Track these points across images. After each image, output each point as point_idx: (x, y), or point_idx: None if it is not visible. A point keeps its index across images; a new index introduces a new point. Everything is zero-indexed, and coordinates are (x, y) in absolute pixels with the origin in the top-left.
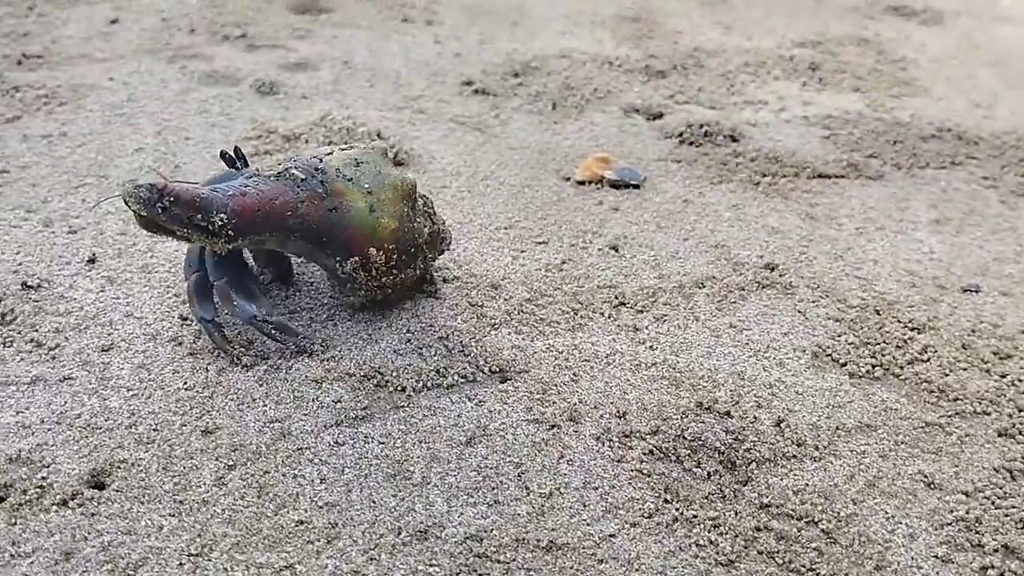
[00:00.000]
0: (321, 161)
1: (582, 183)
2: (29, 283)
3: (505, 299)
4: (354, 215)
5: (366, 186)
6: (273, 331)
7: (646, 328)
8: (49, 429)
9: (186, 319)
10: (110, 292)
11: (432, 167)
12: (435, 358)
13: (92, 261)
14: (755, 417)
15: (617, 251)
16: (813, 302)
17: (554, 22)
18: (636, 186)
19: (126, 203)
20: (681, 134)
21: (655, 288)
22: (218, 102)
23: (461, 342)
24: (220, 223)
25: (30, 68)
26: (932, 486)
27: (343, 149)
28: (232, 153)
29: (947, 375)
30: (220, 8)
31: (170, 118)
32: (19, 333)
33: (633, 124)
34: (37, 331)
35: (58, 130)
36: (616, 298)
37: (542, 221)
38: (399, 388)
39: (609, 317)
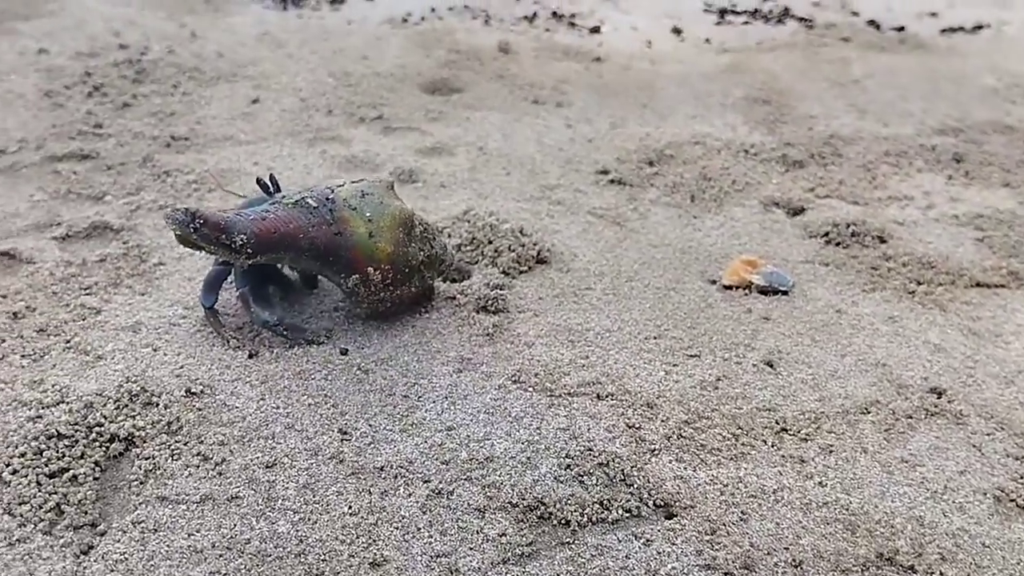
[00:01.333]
0: (332, 192)
1: (729, 287)
2: (192, 389)
3: (662, 420)
4: (356, 239)
5: (368, 215)
6: (284, 332)
7: (812, 460)
8: (220, 555)
9: (346, 433)
10: (270, 401)
11: (575, 265)
12: (597, 487)
13: (252, 356)
14: (941, 573)
15: (773, 367)
16: (988, 435)
17: (684, 104)
18: (785, 292)
19: (166, 223)
20: (827, 234)
21: (817, 413)
22: None
23: (622, 470)
24: (240, 242)
25: (178, 151)
26: None
27: (354, 182)
28: (267, 180)
29: None
30: (355, 88)
31: None
32: (186, 445)
33: (774, 220)
34: (203, 443)
35: None
36: (777, 423)
37: (692, 331)
38: (563, 522)
39: (772, 445)
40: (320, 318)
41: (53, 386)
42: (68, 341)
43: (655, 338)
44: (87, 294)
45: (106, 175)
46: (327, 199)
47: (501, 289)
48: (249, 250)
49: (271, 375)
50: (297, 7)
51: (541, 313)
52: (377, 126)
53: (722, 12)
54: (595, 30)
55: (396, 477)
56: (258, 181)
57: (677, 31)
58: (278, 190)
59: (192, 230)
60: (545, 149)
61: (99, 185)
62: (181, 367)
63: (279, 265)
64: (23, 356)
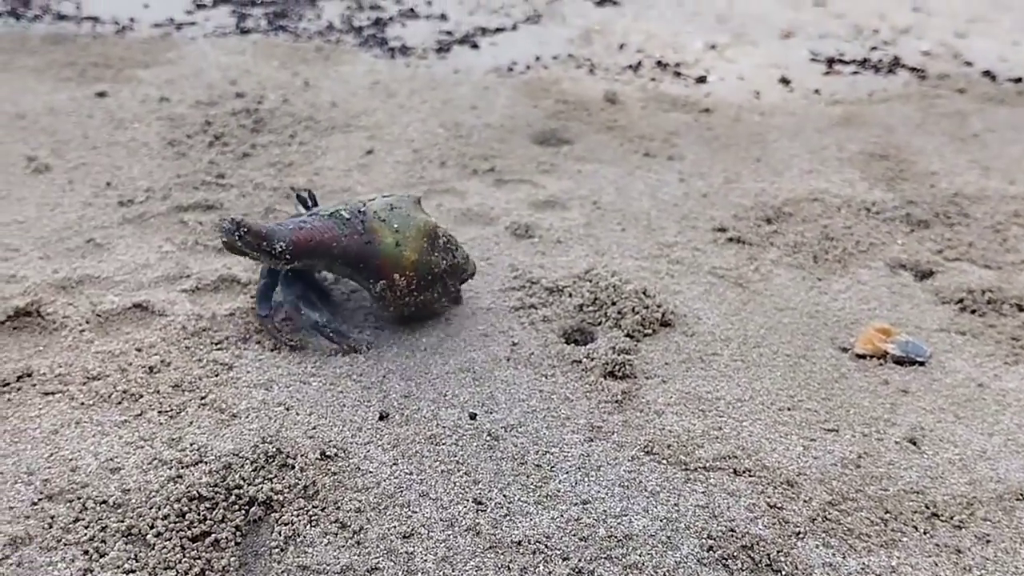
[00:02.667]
0: (364, 205)
1: (862, 356)
2: (327, 452)
3: (805, 501)
4: (383, 248)
5: (395, 226)
6: (331, 334)
7: (969, 551)
8: None
9: (481, 503)
10: (403, 466)
11: (699, 329)
12: (743, 573)
13: (383, 418)
14: None
15: (916, 445)
16: None
17: (798, 158)
18: (922, 363)
19: (216, 232)
20: (960, 300)
21: (969, 498)
22: (477, 245)
23: (768, 554)
24: (280, 249)
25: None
26: None
27: (384, 196)
28: (306, 196)
29: None
30: (466, 139)
31: None
32: (323, 511)
33: (903, 284)
34: (340, 509)
35: (330, 273)
36: (927, 507)
37: (827, 403)
38: None
39: (924, 533)
40: (362, 328)
41: (191, 445)
42: (203, 398)
43: (789, 409)
44: (218, 349)
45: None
46: (359, 211)
47: (627, 353)
48: (288, 256)
49: (402, 438)
50: (405, 56)
51: (669, 379)
52: (489, 178)
53: (830, 61)
54: (701, 80)
55: (535, 553)
56: (297, 196)
57: (785, 81)
58: (316, 204)
59: (237, 238)
60: (660, 204)
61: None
62: (314, 428)
63: (318, 274)
64: (160, 412)
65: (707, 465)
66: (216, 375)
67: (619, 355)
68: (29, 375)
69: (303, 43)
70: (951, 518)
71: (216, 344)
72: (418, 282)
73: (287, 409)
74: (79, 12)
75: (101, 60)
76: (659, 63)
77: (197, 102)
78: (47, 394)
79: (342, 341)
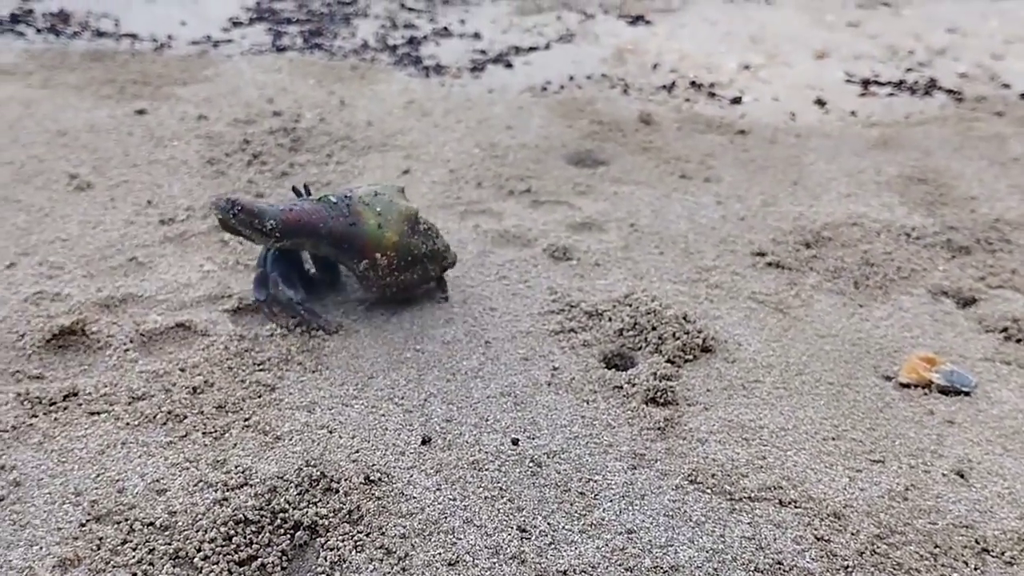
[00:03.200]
0: (351, 191)
1: (906, 385)
2: (371, 476)
3: (852, 533)
4: (367, 229)
5: (378, 210)
6: (302, 312)
7: None
8: None
9: (525, 531)
10: (446, 491)
11: (741, 355)
12: None
13: (426, 442)
14: None
15: (964, 478)
16: None
17: (836, 181)
18: (967, 393)
19: (211, 210)
20: (1005, 329)
21: (1020, 533)
22: (515, 268)
23: None
24: (271, 227)
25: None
26: None
27: (370, 185)
28: (302, 188)
29: None
30: (502, 159)
31: (472, 284)
32: (368, 536)
33: (945, 312)
34: (385, 535)
35: (371, 295)
36: (977, 542)
37: (872, 432)
38: None
39: (975, 569)
40: (335, 314)
41: (236, 467)
42: (247, 420)
43: (834, 439)
44: (261, 370)
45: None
46: (346, 197)
47: (669, 380)
48: (277, 234)
49: (445, 464)
50: (439, 75)
51: (711, 407)
52: (526, 199)
53: (865, 83)
54: (736, 101)
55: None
56: (293, 188)
57: (821, 103)
58: (309, 195)
59: (232, 215)
60: (697, 228)
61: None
62: (357, 451)
63: (303, 257)
64: (204, 433)
65: (752, 495)
66: (259, 396)
67: (660, 381)
68: (75, 394)
69: (338, 61)
70: (1002, 554)
71: (258, 365)
72: (399, 262)
73: (330, 432)
74: (118, 29)
75: (140, 77)
76: (693, 83)
77: (235, 120)
78: (93, 414)
79: (312, 319)
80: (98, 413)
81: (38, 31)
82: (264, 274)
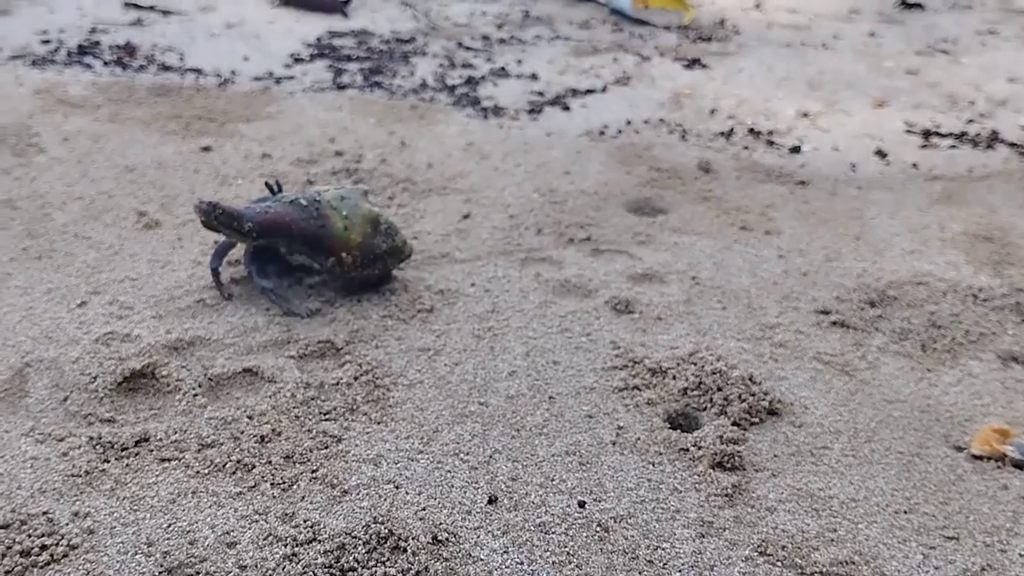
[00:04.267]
0: (319, 195)
1: (979, 458)
2: (438, 536)
3: None
4: (333, 230)
5: (344, 213)
6: (274, 299)
7: None
8: None
9: None
10: (514, 555)
11: (807, 419)
12: None
13: (492, 501)
14: None
15: None
16: None
17: (899, 237)
18: None
19: (195, 212)
20: None
21: None
22: (577, 320)
23: None
24: (248, 228)
25: (398, 267)
26: None
27: (336, 189)
28: (273, 184)
29: None
30: (561, 205)
31: (535, 336)
32: None
33: (1017, 379)
34: None
35: (434, 343)
36: None
37: (945, 507)
38: None
39: None
40: (307, 301)
41: (305, 521)
42: (314, 471)
43: (906, 512)
44: (327, 420)
45: (332, 289)
46: (315, 200)
47: (736, 444)
48: (254, 234)
49: (512, 525)
50: (498, 117)
51: (779, 473)
52: (586, 247)
53: (926, 134)
54: (795, 150)
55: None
56: (266, 184)
57: (881, 154)
58: (280, 191)
59: (213, 217)
60: (759, 282)
61: (328, 301)
62: (423, 508)
63: (282, 252)
64: (273, 484)
65: (824, 571)
66: (326, 447)
67: (727, 445)
68: (146, 440)
69: (398, 100)
70: None
71: (324, 415)
72: (362, 260)
73: (396, 487)
74: (182, 63)
75: (205, 113)
76: (751, 130)
77: (298, 160)
78: (164, 460)
79: (284, 306)
80: (169, 460)
81: (105, 64)
82: (225, 245)
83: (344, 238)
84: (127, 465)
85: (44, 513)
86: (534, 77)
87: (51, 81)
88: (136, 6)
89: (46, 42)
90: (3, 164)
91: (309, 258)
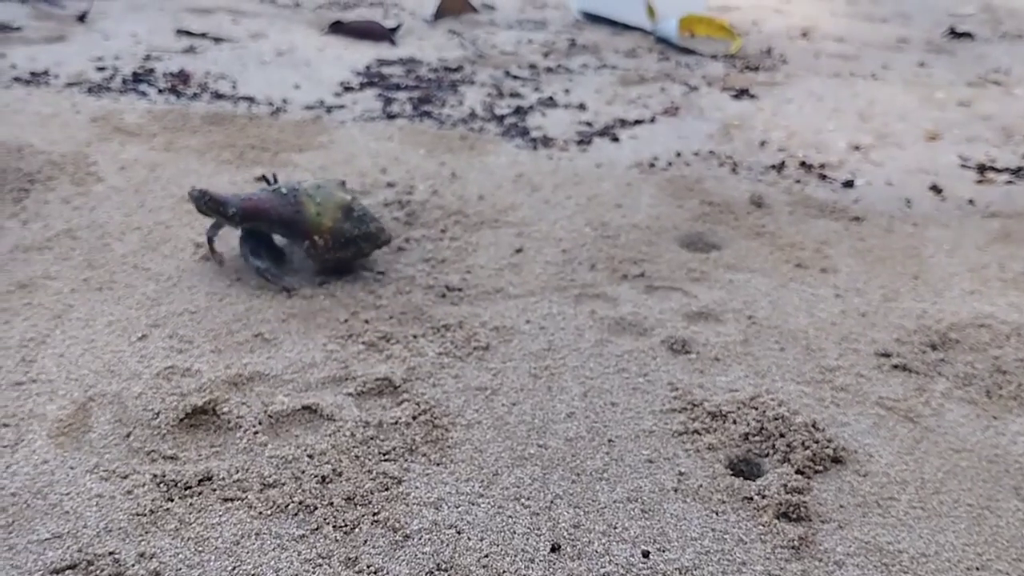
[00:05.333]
0: (299, 184)
1: None
2: None
3: None
4: (308, 216)
5: (318, 200)
6: (267, 276)
7: None
8: None
9: None
10: None
11: (872, 468)
12: None
13: (555, 550)
14: None
15: None
16: None
17: (958, 277)
18: None
19: (188, 198)
20: None
21: None
22: (634, 359)
23: None
24: (231, 213)
25: (452, 302)
26: None
27: (315, 179)
28: (271, 176)
29: None
30: (614, 240)
31: (592, 376)
32: None
33: None
34: None
35: (491, 382)
36: None
37: (1018, 564)
38: None
39: None
40: (296, 278)
41: (368, 567)
42: (375, 514)
43: (978, 569)
44: (387, 460)
45: (387, 324)
46: (294, 189)
47: (800, 493)
48: (238, 218)
49: (576, 574)
50: (547, 147)
51: (846, 525)
52: (640, 284)
53: (981, 168)
54: (848, 184)
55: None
56: (263, 177)
57: (936, 189)
58: (276, 182)
59: (203, 203)
60: (817, 323)
61: (384, 337)
62: (486, 555)
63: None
64: (335, 527)
65: None
66: (386, 489)
67: (792, 495)
68: (209, 479)
69: (447, 130)
70: None
71: (384, 455)
72: (334, 243)
73: (458, 532)
74: (235, 91)
75: (258, 142)
76: (803, 163)
77: (351, 191)
78: (227, 500)
79: (275, 281)
80: (232, 500)
81: (159, 91)
82: (218, 224)
83: (316, 223)
84: (191, 504)
85: (111, 553)
86: (582, 107)
87: (107, 109)
88: (188, 33)
89: (101, 69)
90: (63, 193)
91: (289, 240)
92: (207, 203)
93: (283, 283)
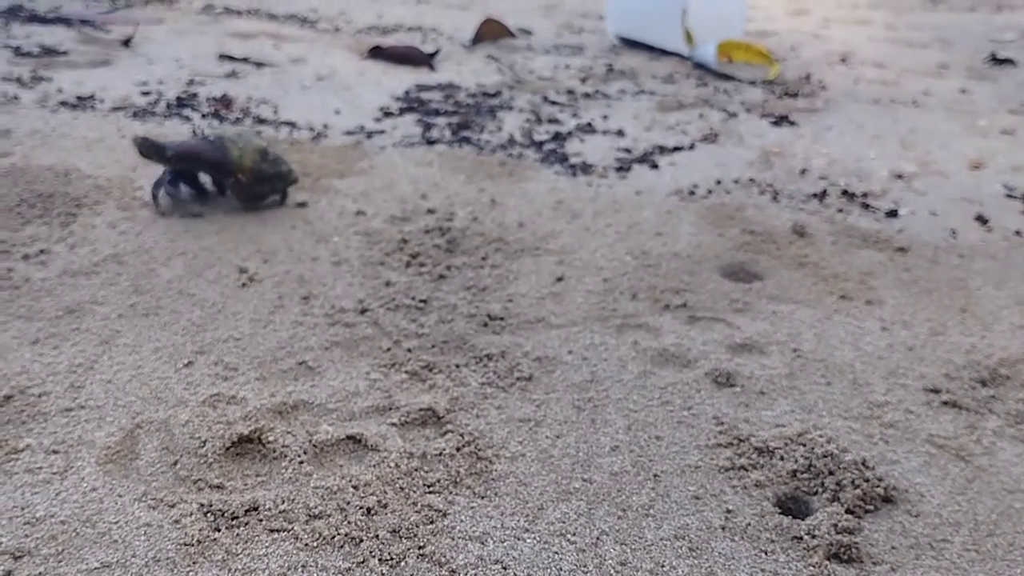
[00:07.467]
0: (223, 134)
1: None
2: None
3: None
4: (231, 157)
5: (240, 145)
6: (176, 200)
7: None
8: None
9: None
10: None
11: (924, 509)
12: None
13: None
14: None
15: None
16: None
17: (1007, 310)
18: None
19: (132, 143)
20: None
21: None
22: (678, 392)
23: None
24: (169, 155)
25: (494, 332)
26: None
27: (235, 130)
28: (199, 131)
29: None
30: (655, 269)
31: (635, 408)
32: None
33: None
34: None
35: (534, 414)
36: None
37: None
38: None
39: None
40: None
41: None
42: (421, 548)
43: None
44: (431, 492)
45: (430, 354)
46: (220, 136)
47: (851, 534)
48: (174, 159)
49: None
50: (586, 174)
51: (899, 568)
52: (682, 315)
53: None
54: (892, 214)
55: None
56: (194, 131)
57: (982, 220)
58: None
59: (145, 147)
60: (864, 356)
61: (427, 367)
62: None
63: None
64: (381, 560)
65: None
66: (431, 522)
67: (843, 535)
68: (255, 509)
69: (486, 156)
70: None
71: (429, 487)
72: (254, 180)
73: (504, 568)
74: (276, 116)
75: (300, 168)
76: (845, 192)
77: (392, 217)
78: (273, 531)
79: (183, 209)
80: (278, 531)
81: (203, 116)
82: (160, 179)
83: (239, 163)
84: (237, 535)
85: None
86: (620, 133)
87: (152, 133)
88: (230, 58)
89: (146, 93)
90: (110, 217)
91: (217, 178)
92: (149, 147)
93: (187, 209)
